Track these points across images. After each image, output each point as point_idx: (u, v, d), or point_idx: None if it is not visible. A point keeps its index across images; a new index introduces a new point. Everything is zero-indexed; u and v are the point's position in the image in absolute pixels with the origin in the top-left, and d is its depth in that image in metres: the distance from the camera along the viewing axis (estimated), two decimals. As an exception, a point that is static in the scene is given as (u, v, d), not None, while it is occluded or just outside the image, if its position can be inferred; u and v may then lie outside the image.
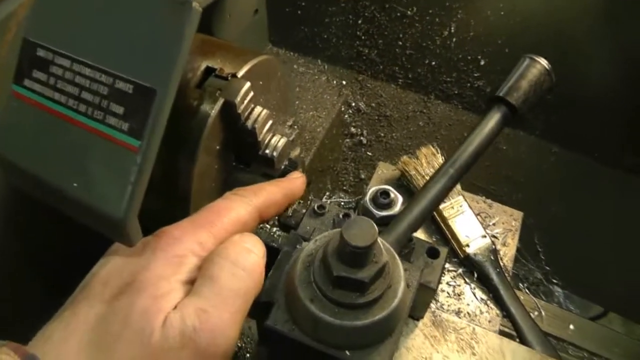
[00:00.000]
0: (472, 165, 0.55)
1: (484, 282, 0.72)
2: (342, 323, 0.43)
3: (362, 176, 1.02)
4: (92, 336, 0.39)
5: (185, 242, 0.45)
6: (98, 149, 0.44)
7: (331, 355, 0.45)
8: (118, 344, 0.39)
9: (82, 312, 0.41)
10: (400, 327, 0.47)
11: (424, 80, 0.97)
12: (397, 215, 0.54)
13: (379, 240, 0.44)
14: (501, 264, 0.73)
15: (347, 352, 0.44)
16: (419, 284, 0.50)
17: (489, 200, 0.80)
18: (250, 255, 0.44)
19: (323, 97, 0.97)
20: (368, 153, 1.02)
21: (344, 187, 1.03)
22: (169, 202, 0.58)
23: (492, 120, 0.57)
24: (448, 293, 0.71)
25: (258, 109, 0.57)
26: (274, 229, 0.76)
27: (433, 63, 0.94)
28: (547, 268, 1.04)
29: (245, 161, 0.62)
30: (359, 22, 0.95)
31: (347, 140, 1.02)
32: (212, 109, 0.54)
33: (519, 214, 0.79)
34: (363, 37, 0.96)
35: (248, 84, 0.55)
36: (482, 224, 0.75)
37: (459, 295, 0.72)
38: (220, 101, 0.54)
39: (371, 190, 0.59)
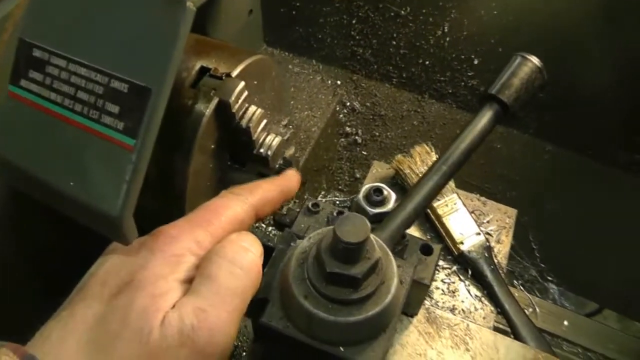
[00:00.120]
0: (465, 162, 0.56)
1: (478, 279, 0.72)
2: (335, 319, 0.43)
3: (358, 175, 1.02)
4: (91, 335, 0.39)
5: (183, 241, 0.45)
6: (94, 148, 0.44)
7: (325, 352, 0.45)
8: (117, 343, 0.39)
9: (81, 312, 0.41)
10: (394, 323, 0.47)
11: (418, 79, 0.97)
12: (390, 212, 0.54)
13: (372, 236, 0.45)
14: (495, 261, 0.73)
15: (341, 348, 0.45)
16: (413, 281, 0.50)
17: (483, 198, 0.80)
18: (247, 254, 0.45)
19: (318, 96, 0.98)
20: (363, 152, 1.03)
21: (339, 187, 1.03)
22: (164, 201, 0.58)
23: (484, 117, 0.57)
24: (443, 290, 0.72)
25: (252, 108, 0.57)
26: (270, 228, 0.77)
27: (427, 62, 0.95)
28: (542, 265, 1.05)
29: (241, 160, 0.63)
30: (353, 22, 0.95)
31: (342, 139, 1.02)
32: (207, 109, 0.54)
33: (513, 212, 0.79)
34: (357, 37, 0.97)
35: (242, 84, 0.55)
36: (476, 221, 0.76)
37: (453, 292, 0.72)
38: (215, 100, 0.55)
39: (364, 187, 0.59)
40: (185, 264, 0.44)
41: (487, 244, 0.74)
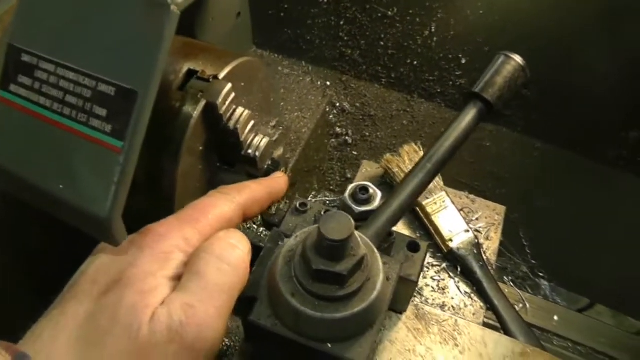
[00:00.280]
0: (450, 159, 0.57)
1: (468, 276, 0.73)
2: (322, 316, 0.44)
3: (349, 175, 1.03)
4: (81, 332, 0.40)
5: (171, 238, 0.45)
6: (82, 151, 0.45)
7: (313, 348, 0.46)
8: (107, 339, 0.39)
9: (71, 310, 0.42)
10: (381, 319, 0.48)
11: (407, 79, 0.98)
12: (376, 210, 0.55)
13: (357, 234, 0.45)
14: (484, 257, 0.74)
15: (329, 345, 0.46)
16: (400, 277, 0.51)
17: (471, 196, 0.81)
18: (235, 250, 0.45)
19: (308, 98, 0.98)
20: (353, 152, 1.03)
21: (331, 187, 1.04)
22: (153, 202, 0.59)
23: (469, 115, 0.58)
24: (432, 287, 0.73)
25: (240, 109, 0.58)
26: (261, 229, 0.77)
27: (415, 62, 0.95)
28: (533, 262, 1.05)
29: (229, 162, 0.64)
30: (341, 23, 0.96)
31: (333, 140, 1.03)
32: (194, 111, 0.55)
33: (501, 208, 0.80)
34: (345, 38, 0.98)
35: (229, 86, 0.56)
36: (465, 218, 0.76)
37: (443, 289, 0.73)
38: (202, 103, 0.55)
39: (350, 186, 0.60)
40: (173, 261, 0.45)
41: (476, 240, 0.75)
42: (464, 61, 0.92)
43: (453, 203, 0.77)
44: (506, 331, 0.70)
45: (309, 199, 0.96)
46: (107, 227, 0.43)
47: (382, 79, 1.00)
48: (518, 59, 0.61)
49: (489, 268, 0.73)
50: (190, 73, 0.58)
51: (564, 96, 0.90)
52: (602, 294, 1.07)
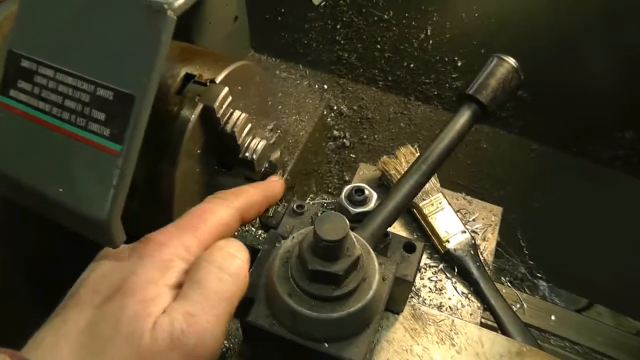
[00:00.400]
0: (444, 161, 0.57)
1: (465, 277, 0.73)
2: (319, 315, 0.45)
3: (347, 178, 1.03)
4: (83, 340, 0.41)
5: (171, 246, 0.46)
6: (81, 155, 0.46)
7: (310, 348, 0.46)
8: (109, 347, 0.40)
9: (73, 317, 0.42)
10: (377, 319, 0.48)
11: (404, 82, 0.99)
12: (372, 211, 0.56)
13: (353, 234, 0.46)
14: (481, 258, 0.75)
15: (326, 344, 0.46)
16: (396, 278, 0.51)
17: (468, 197, 0.81)
18: (235, 260, 0.46)
19: (305, 101, 0.99)
20: (351, 155, 1.04)
21: (329, 190, 1.05)
22: (153, 205, 0.59)
23: (463, 117, 0.59)
24: (430, 288, 0.73)
25: (237, 113, 0.59)
26: (260, 232, 0.78)
27: (411, 65, 0.96)
28: (531, 263, 1.06)
29: (227, 165, 0.64)
30: (338, 27, 0.96)
31: (331, 143, 1.04)
32: (192, 114, 0.56)
33: (498, 209, 0.81)
34: (342, 42, 0.98)
35: (226, 89, 0.57)
36: (461, 219, 0.77)
37: (440, 290, 0.73)
38: (200, 106, 0.56)
39: (346, 188, 0.61)
40: (174, 269, 0.45)
41: (473, 241, 0.75)
42: (460, 64, 0.93)
43: (450, 204, 0.77)
44: (503, 331, 0.70)
45: (307, 201, 0.97)
46: (106, 230, 0.44)
47: (379, 81, 1.01)
48: (511, 61, 0.62)
49: (486, 268, 0.74)
50: (188, 77, 0.59)
51: (560, 97, 0.91)
52: (600, 294, 1.08)
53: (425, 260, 0.75)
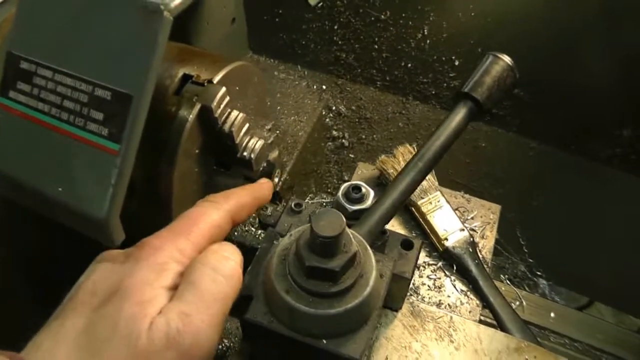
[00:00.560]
0: (441, 158, 0.58)
1: (463, 274, 0.74)
2: (316, 312, 0.45)
3: (346, 178, 1.04)
4: (81, 342, 0.41)
5: (166, 250, 0.47)
6: (80, 154, 0.46)
7: (308, 345, 0.46)
8: (106, 348, 0.40)
9: (71, 320, 0.42)
10: (375, 316, 0.48)
11: (402, 82, 0.99)
12: (369, 208, 0.56)
13: (350, 231, 0.46)
14: (480, 255, 0.75)
15: (324, 341, 0.46)
16: (393, 274, 0.52)
17: (467, 195, 0.82)
18: (228, 262, 0.47)
19: (304, 102, 0.99)
20: (350, 155, 1.04)
21: (328, 190, 1.05)
22: (151, 205, 0.60)
23: (459, 115, 0.59)
24: (429, 286, 0.73)
25: (234, 112, 0.59)
26: (259, 232, 0.78)
27: (409, 65, 0.96)
28: (531, 261, 1.06)
29: (226, 165, 0.65)
30: (335, 27, 0.97)
31: (330, 143, 1.04)
32: (190, 114, 0.56)
33: (496, 207, 0.81)
34: (340, 42, 0.99)
35: (224, 89, 0.57)
36: (460, 217, 0.77)
37: (439, 287, 0.73)
38: (198, 106, 0.56)
39: (343, 185, 0.61)
40: (169, 271, 0.46)
41: (471, 239, 0.75)
42: (457, 63, 0.93)
43: (448, 202, 0.77)
44: (502, 328, 0.70)
45: (306, 200, 0.97)
46: (105, 228, 0.44)
47: (377, 81, 1.01)
48: (506, 58, 0.62)
49: (485, 266, 0.74)
50: (186, 78, 0.59)
51: (558, 96, 0.91)
52: (600, 292, 1.08)
53: (424, 258, 0.76)
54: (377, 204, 0.55)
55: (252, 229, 0.80)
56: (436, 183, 0.79)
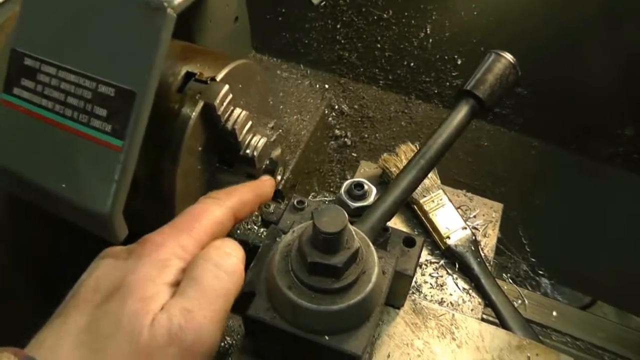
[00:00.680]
0: (443, 155, 0.58)
1: (466, 272, 0.74)
2: (319, 308, 0.45)
3: (348, 177, 1.04)
4: (84, 338, 0.41)
5: (168, 246, 0.47)
6: (84, 151, 0.47)
7: (311, 341, 0.46)
8: (109, 344, 0.41)
9: (73, 317, 0.43)
10: (377, 312, 0.49)
11: (404, 81, 0.99)
12: (371, 205, 0.56)
13: (352, 227, 0.46)
14: (482, 254, 0.75)
15: (326, 337, 0.46)
16: (396, 272, 0.52)
17: (469, 194, 0.82)
18: (230, 258, 0.47)
19: (307, 100, 1.00)
20: (353, 154, 1.04)
21: (331, 189, 1.05)
22: (155, 203, 0.60)
23: (461, 112, 0.59)
24: (431, 284, 0.74)
25: (237, 110, 0.59)
26: (262, 230, 0.79)
27: (412, 64, 0.97)
28: (533, 260, 1.06)
29: (229, 162, 0.65)
30: (338, 26, 0.97)
31: (332, 142, 1.04)
32: (193, 112, 0.56)
33: (499, 206, 0.81)
34: (343, 41, 0.99)
35: (226, 87, 0.57)
36: (462, 216, 0.77)
37: (441, 286, 0.74)
38: (200, 104, 0.57)
39: (346, 183, 0.61)
40: (171, 267, 0.46)
41: (474, 237, 0.75)
42: (459, 62, 0.93)
43: (450, 201, 0.78)
44: (504, 326, 0.70)
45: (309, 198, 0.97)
46: (109, 223, 0.45)
47: (380, 80, 1.01)
48: (509, 56, 0.62)
49: (487, 264, 0.74)
50: (189, 75, 0.59)
51: (560, 95, 0.91)
52: (602, 291, 1.08)
53: (426, 256, 0.76)
54: (379, 201, 0.55)
55: (255, 227, 0.80)
56: (438, 181, 0.79)
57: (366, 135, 1.04)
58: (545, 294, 1.04)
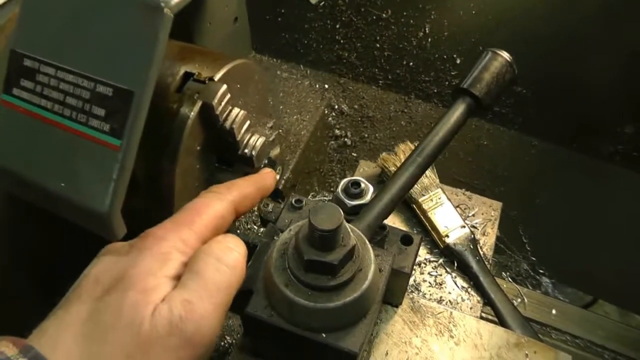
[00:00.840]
0: (439, 153, 0.58)
1: (464, 271, 0.74)
2: (315, 305, 0.45)
3: (348, 176, 1.04)
4: (85, 329, 0.42)
5: (169, 240, 0.47)
6: (82, 150, 0.47)
7: (308, 338, 0.47)
8: (110, 334, 0.41)
9: (75, 308, 0.43)
10: (374, 310, 0.49)
11: (404, 80, 1.00)
12: (368, 203, 0.56)
13: (348, 225, 0.47)
14: (481, 252, 0.75)
15: (323, 335, 0.47)
16: (393, 269, 0.52)
17: (468, 193, 0.82)
18: (232, 252, 0.47)
19: (306, 100, 1.00)
20: (353, 154, 1.05)
21: (331, 188, 1.05)
22: (154, 202, 0.60)
23: (457, 110, 0.60)
24: (430, 283, 0.74)
25: (236, 110, 0.60)
26: (262, 229, 0.79)
27: (411, 64, 0.97)
28: (533, 259, 1.06)
29: (227, 162, 0.65)
30: (337, 26, 0.97)
31: (332, 142, 1.04)
32: (191, 111, 0.57)
33: (498, 204, 0.81)
34: (342, 41, 0.99)
35: (225, 87, 0.58)
36: (461, 215, 0.77)
37: (440, 284, 0.74)
38: (199, 103, 0.57)
39: (343, 181, 0.61)
40: (172, 261, 0.46)
41: (472, 236, 0.76)
42: (458, 61, 0.93)
43: (449, 200, 0.78)
44: (503, 324, 0.70)
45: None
46: (107, 222, 0.45)
47: (379, 80, 1.02)
48: (505, 55, 0.62)
49: (486, 263, 0.74)
50: (187, 75, 0.60)
51: (559, 94, 0.91)
52: (603, 290, 1.08)
53: (425, 255, 0.76)
54: (376, 199, 0.55)
55: (255, 226, 0.80)
56: (437, 180, 0.79)
57: (366, 135, 1.04)
58: (546, 293, 1.04)
